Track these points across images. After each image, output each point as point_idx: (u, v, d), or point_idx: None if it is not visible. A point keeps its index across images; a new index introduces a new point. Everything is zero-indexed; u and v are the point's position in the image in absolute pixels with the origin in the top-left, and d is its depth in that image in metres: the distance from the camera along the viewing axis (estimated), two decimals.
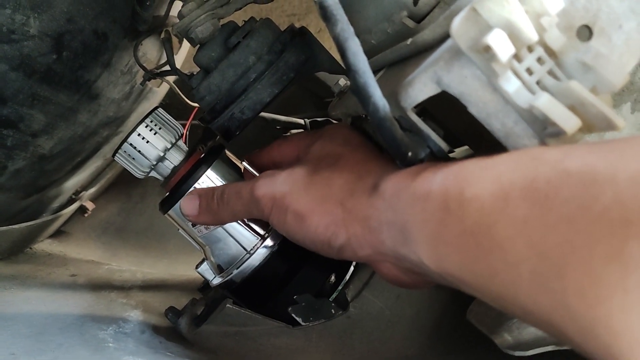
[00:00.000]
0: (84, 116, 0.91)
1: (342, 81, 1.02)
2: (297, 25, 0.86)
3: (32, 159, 0.87)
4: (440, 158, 0.58)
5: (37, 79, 0.75)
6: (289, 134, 1.12)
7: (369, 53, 0.56)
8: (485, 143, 0.55)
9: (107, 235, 1.27)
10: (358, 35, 0.52)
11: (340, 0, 0.53)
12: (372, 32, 0.67)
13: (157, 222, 1.30)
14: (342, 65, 0.54)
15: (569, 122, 0.43)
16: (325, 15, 0.52)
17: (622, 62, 0.47)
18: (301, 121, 1.15)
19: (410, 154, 0.55)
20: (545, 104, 0.43)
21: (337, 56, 0.70)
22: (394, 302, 0.83)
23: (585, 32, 0.48)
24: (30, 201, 1.02)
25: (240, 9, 0.74)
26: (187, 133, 0.90)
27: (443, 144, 0.57)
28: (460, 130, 0.64)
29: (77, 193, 1.21)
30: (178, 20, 0.76)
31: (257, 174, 0.89)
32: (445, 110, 0.56)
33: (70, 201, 1.19)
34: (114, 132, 1.12)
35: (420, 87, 0.50)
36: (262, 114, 1.16)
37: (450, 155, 0.67)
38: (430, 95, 0.50)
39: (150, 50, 1.00)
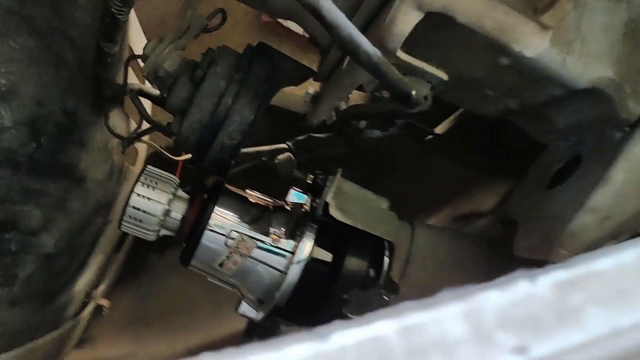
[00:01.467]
0: (76, 204, 0.89)
1: (311, 89, 1.03)
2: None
3: (39, 261, 0.84)
4: (442, 92, 0.59)
5: (23, 172, 0.73)
6: (276, 161, 1.12)
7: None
8: None
9: (132, 327, 1.22)
10: None
11: None
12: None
13: (176, 297, 1.27)
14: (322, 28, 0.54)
15: None
16: None
17: None
18: (284, 145, 1.15)
19: (414, 92, 0.55)
20: None
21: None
22: (439, 268, 0.81)
23: None
24: (45, 313, 0.98)
25: (198, 35, 0.75)
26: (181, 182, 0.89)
27: (442, 74, 0.57)
28: None
29: (88, 295, 1.17)
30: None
31: (263, 197, 0.88)
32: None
33: (84, 304, 1.15)
34: (106, 221, 1.09)
35: (403, 19, 0.51)
36: (246, 149, 1.16)
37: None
38: (414, 24, 0.51)
39: (118, 124, 0.99)
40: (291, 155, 1.13)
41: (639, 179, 0.70)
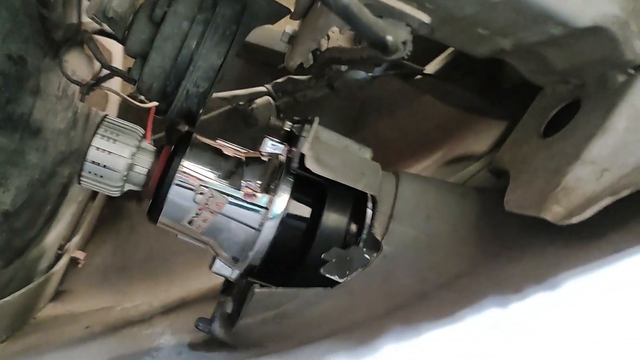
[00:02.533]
0: (34, 156, 0.83)
1: (289, 27, 0.94)
2: None
3: None
4: (424, 36, 0.51)
5: None
6: (254, 105, 1.04)
7: None
8: None
9: (109, 279, 1.19)
10: None
11: None
12: None
13: (156, 247, 1.22)
14: None
15: None
16: None
17: None
18: (263, 89, 1.07)
19: (389, 37, 0.48)
20: None
21: None
22: (425, 223, 0.76)
23: None
24: (14, 268, 0.94)
25: None
26: (150, 134, 0.82)
27: (424, 16, 0.50)
28: None
29: (61, 247, 1.12)
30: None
31: (236, 148, 0.82)
32: None
33: (58, 257, 1.11)
34: (75, 170, 1.03)
35: None
36: (221, 93, 1.08)
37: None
38: None
39: (79, 67, 0.91)
40: (270, 99, 1.05)
41: None
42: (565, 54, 0.70)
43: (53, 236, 1.05)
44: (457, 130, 1.25)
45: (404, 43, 0.50)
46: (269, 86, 1.07)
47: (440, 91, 1.22)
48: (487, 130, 1.22)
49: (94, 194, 1.21)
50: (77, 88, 0.93)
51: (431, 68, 1.19)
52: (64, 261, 1.11)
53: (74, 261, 1.15)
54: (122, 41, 0.77)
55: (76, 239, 1.15)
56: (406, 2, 0.49)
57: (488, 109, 1.23)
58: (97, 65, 0.91)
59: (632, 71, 0.66)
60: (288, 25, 0.95)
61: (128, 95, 0.95)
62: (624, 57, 0.65)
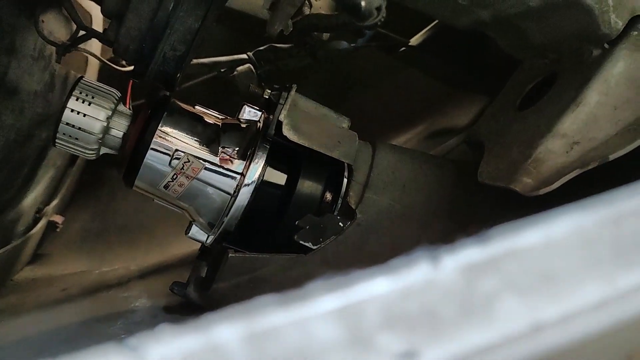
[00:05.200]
0: (9, 117, 0.82)
1: None
2: None
3: None
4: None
5: None
6: (235, 72, 1.04)
7: None
8: None
9: (88, 244, 1.19)
10: None
11: None
12: None
13: (136, 214, 1.22)
14: None
15: None
16: None
17: None
18: (244, 56, 1.06)
19: (363, 3, 0.47)
20: None
21: None
22: (400, 193, 0.77)
23: None
24: None
25: None
26: (130, 99, 0.82)
27: None
28: None
29: (39, 211, 1.12)
30: None
31: (215, 114, 0.82)
32: None
33: (36, 220, 1.10)
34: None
35: None
36: (202, 59, 1.07)
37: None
38: None
39: (56, 28, 0.90)
40: (251, 67, 1.05)
41: (614, 101, 0.64)
42: (543, 27, 0.70)
43: (31, 199, 1.05)
44: (440, 104, 1.25)
45: (378, 9, 0.50)
46: (250, 54, 1.06)
47: (424, 64, 1.22)
48: (470, 104, 1.22)
49: (74, 159, 1.20)
50: (54, 50, 0.91)
51: (415, 41, 1.19)
52: (41, 224, 1.10)
53: (52, 225, 1.15)
54: (98, 1, 0.76)
55: (55, 203, 1.15)
56: None
57: (471, 82, 1.23)
58: (75, 26, 0.89)
59: (607, 46, 0.67)
60: None
61: (108, 60, 0.94)
62: (599, 30, 0.65)
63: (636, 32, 0.65)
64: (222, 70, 1.06)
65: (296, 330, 0.18)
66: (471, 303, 0.18)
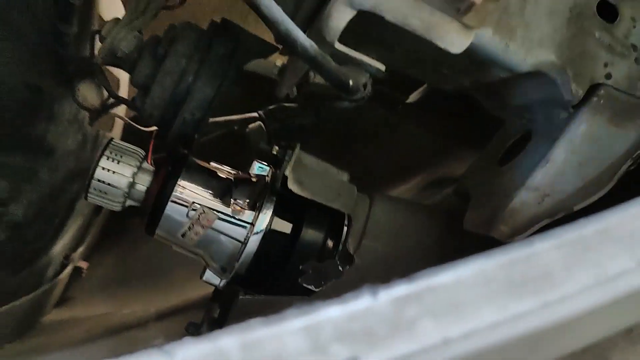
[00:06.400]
0: (46, 174, 0.92)
1: (279, 61, 1.04)
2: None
3: (9, 230, 0.88)
4: (380, 80, 0.61)
5: None
6: (247, 129, 1.14)
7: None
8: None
9: (110, 288, 1.27)
10: None
11: None
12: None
13: (156, 260, 1.31)
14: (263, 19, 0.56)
15: None
16: None
17: None
18: (255, 114, 1.17)
19: (351, 82, 0.57)
20: None
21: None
22: (393, 240, 0.85)
23: None
24: (24, 276, 1.02)
25: (156, 15, 0.76)
26: (151, 155, 0.91)
27: (379, 65, 0.59)
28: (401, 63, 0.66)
29: (67, 257, 1.21)
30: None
31: (228, 169, 0.91)
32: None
33: (63, 266, 1.19)
34: (83, 186, 1.13)
35: (337, 15, 0.53)
36: (216, 118, 1.18)
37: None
38: (348, 20, 0.53)
39: (89, 95, 1.01)
40: (262, 124, 1.15)
41: (579, 159, 0.73)
42: (516, 93, 0.79)
43: (60, 247, 1.14)
44: (437, 156, 1.34)
45: (364, 86, 0.60)
46: (261, 112, 1.16)
47: (421, 119, 1.32)
48: (465, 155, 1.30)
49: (99, 209, 1.30)
50: (86, 113, 1.02)
51: (413, 98, 1.29)
52: (68, 270, 1.20)
53: (78, 270, 1.24)
54: (128, 71, 0.87)
55: (81, 250, 1.24)
56: (364, 53, 0.58)
57: (466, 135, 1.32)
58: (106, 92, 1.01)
59: (572, 110, 0.76)
60: (278, 60, 1.05)
61: (131, 118, 1.05)
62: (564, 97, 0.74)
63: (596, 98, 0.73)
64: (235, 127, 1.17)
65: (275, 341, 0.26)
66: (399, 324, 0.26)
